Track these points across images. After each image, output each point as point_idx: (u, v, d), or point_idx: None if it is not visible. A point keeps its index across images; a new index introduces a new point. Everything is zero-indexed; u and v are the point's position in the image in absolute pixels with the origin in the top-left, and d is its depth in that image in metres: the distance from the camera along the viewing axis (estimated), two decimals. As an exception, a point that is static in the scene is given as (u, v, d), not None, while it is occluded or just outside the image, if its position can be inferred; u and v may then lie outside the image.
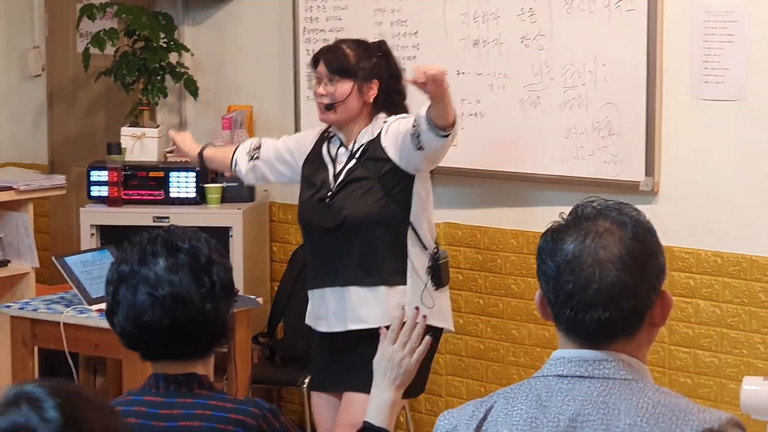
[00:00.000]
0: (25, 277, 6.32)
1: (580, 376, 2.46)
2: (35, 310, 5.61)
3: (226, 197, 6.39)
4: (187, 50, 6.78)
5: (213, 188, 6.37)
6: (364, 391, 4.63)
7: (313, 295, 4.86)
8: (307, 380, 5.75)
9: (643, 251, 2.45)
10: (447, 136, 4.52)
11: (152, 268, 2.86)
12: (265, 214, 6.56)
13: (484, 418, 2.57)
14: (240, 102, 6.63)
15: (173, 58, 6.69)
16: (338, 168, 4.75)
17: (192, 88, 6.70)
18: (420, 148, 4.55)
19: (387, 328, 3.16)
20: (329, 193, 4.72)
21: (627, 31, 5.41)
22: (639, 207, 2.56)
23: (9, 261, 6.31)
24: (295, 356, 5.96)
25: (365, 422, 3.14)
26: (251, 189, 6.45)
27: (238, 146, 5.17)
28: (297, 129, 6.34)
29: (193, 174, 6.36)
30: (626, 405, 2.40)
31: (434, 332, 4.65)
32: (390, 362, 3.12)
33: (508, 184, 5.87)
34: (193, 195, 6.37)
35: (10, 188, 6.20)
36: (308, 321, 4.87)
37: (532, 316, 5.82)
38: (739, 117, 5.24)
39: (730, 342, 5.27)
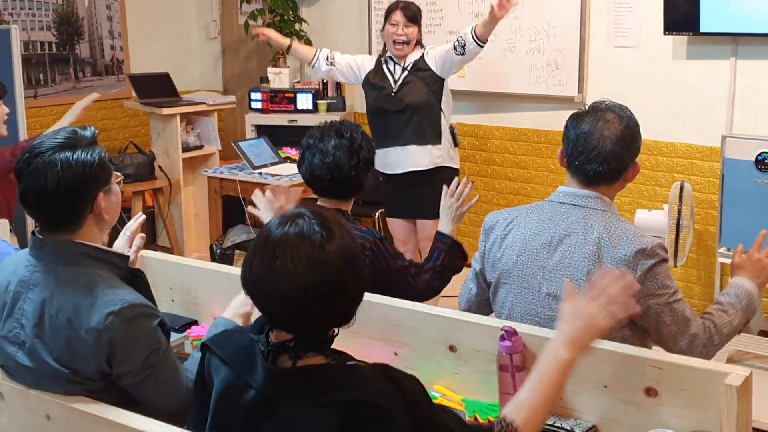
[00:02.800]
0: (213, 155, 6.35)
1: (573, 204, 2.51)
2: (221, 173, 5.66)
3: (330, 107, 6.36)
4: (305, 21, 6.69)
5: (322, 103, 6.34)
6: (430, 218, 4.69)
7: (380, 151, 4.67)
8: (377, 212, 5.78)
9: (630, 135, 2.50)
10: (483, 45, 4.61)
11: (326, 144, 2.94)
12: (351, 117, 6.53)
13: (511, 221, 2.60)
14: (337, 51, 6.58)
15: (297, 26, 6.61)
16: (396, 76, 4.74)
17: (309, 43, 6.61)
18: (461, 54, 4.61)
19: (445, 186, 3.14)
20: (393, 91, 4.72)
21: (568, 5, 5.36)
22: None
23: (203, 146, 6.33)
24: (369, 200, 5.97)
25: (438, 231, 3.13)
26: (344, 102, 6.43)
27: (317, 50, 5.04)
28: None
29: (311, 95, 6.32)
30: (598, 225, 2.44)
31: (453, 170, 4.78)
32: (450, 209, 3.10)
33: (495, 99, 5.83)
34: (311, 107, 6.33)
35: (203, 103, 6.22)
36: (377, 167, 4.84)
37: (507, 176, 5.82)
38: (635, 56, 5.19)
39: (627, 190, 5.27)
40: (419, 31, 4.80)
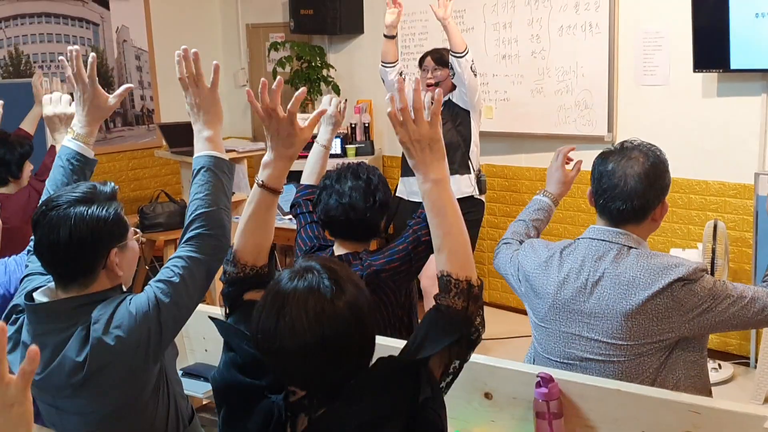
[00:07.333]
0: (243, 202, 6.34)
1: (605, 240, 2.49)
2: (252, 219, 5.67)
3: (358, 152, 6.40)
4: (333, 67, 6.77)
5: (351, 148, 6.40)
6: None
7: (404, 180, 5.05)
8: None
9: (654, 173, 2.49)
10: (461, 56, 4.74)
11: (342, 185, 2.92)
12: (380, 161, 6.57)
13: (561, 252, 2.58)
14: (364, 96, 6.64)
15: (324, 72, 6.69)
16: None
17: (336, 89, 6.71)
18: (455, 74, 4.80)
19: None
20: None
21: (596, 45, 5.36)
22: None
23: (234, 193, 6.32)
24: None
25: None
26: (372, 146, 6.47)
27: (398, 60, 5.08)
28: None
29: (340, 139, 6.36)
30: (631, 262, 2.42)
31: (480, 204, 5.01)
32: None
33: (524, 140, 5.84)
34: (339, 152, 6.36)
35: (233, 150, 6.25)
36: (399, 194, 4.95)
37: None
38: (665, 94, 5.18)
39: (661, 229, 5.24)
40: (450, 73, 4.91)
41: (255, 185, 2.06)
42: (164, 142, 6.41)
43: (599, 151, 2.65)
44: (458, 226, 1.85)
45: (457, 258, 1.82)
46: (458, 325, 1.77)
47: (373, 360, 1.73)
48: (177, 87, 2.40)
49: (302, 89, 2.05)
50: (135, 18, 6.82)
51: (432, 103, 1.83)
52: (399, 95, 1.83)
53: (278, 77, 2.08)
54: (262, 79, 2.03)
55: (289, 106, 2.00)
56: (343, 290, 1.68)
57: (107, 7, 6.63)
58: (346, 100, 3.54)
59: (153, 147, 6.86)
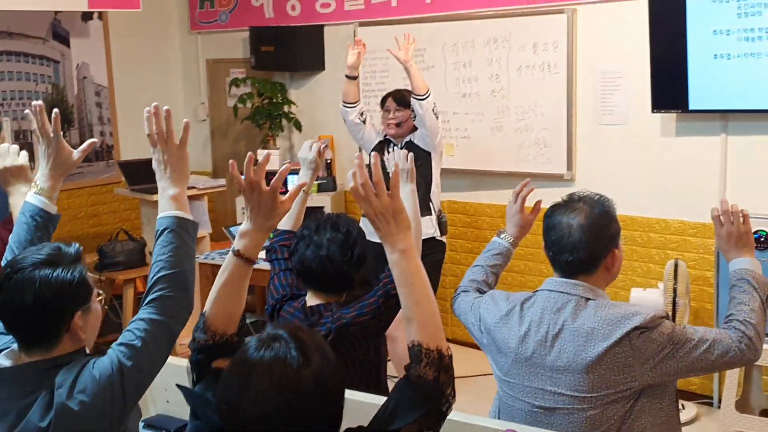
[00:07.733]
0: (203, 239, 6.29)
1: (562, 292, 2.47)
2: (213, 258, 5.61)
3: (321, 188, 6.36)
4: (294, 104, 6.74)
5: (313, 184, 6.32)
6: None
7: (366, 219, 4.91)
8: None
9: (599, 224, 2.48)
10: (423, 99, 4.82)
11: (320, 236, 2.86)
12: (342, 198, 6.53)
13: (522, 304, 2.56)
14: (326, 132, 6.59)
15: (286, 108, 6.65)
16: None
17: (297, 125, 6.69)
18: (416, 116, 4.89)
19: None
20: (388, 171, 4.80)
21: (555, 84, 5.39)
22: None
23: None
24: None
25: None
26: (334, 182, 6.44)
27: (359, 100, 5.20)
28: (359, 148, 6.32)
29: (301, 176, 6.33)
30: (589, 314, 2.41)
31: (441, 245, 5.05)
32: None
33: (485, 177, 5.84)
34: (301, 188, 6.32)
35: (193, 187, 6.18)
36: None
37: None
38: (623, 133, 5.21)
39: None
40: (412, 112, 4.96)
41: (230, 253, 2.02)
42: (123, 179, 6.32)
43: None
44: (427, 295, 1.85)
45: (427, 328, 1.81)
46: (429, 397, 1.74)
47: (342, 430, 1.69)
48: (137, 123, 2.37)
49: (267, 153, 2.04)
50: (95, 55, 6.75)
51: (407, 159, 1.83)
52: (359, 171, 1.87)
53: (266, 152, 2.07)
54: (249, 153, 2.04)
55: (273, 182, 2.00)
56: (310, 361, 1.63)
57: (67, 44, 6.56)
58: (326, 145, 3.45)
59: (112, 183, 6.77)
